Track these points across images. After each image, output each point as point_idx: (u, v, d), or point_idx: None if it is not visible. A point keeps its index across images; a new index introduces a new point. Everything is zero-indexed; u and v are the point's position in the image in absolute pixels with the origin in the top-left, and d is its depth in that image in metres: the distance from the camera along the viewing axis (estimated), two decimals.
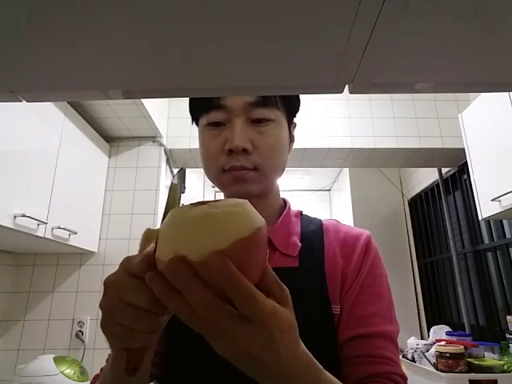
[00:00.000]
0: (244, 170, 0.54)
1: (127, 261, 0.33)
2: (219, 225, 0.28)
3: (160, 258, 0.29)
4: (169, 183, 2.26)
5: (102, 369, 0.48)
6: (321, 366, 0.35)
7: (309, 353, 0.34)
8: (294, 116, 0.63)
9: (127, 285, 0.32)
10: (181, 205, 0.33)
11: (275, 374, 0.31)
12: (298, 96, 0.62)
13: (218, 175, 0.56)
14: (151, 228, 0.34)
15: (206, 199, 0.33)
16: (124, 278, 0.32)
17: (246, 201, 0.32)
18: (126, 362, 0.33)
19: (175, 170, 2.38)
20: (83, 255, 1.89)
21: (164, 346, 0.54)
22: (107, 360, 0.45)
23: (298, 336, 0.33)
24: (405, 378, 0.50)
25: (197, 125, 0.62)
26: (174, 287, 0.28)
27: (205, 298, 0.28)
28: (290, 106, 0.60)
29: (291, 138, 0.63)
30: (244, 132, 0.54)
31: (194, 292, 0.27)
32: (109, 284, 0.33)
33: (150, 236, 0.33)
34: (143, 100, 1.75)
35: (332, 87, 0.27)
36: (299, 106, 0.63)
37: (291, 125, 0.63)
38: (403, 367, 1.86)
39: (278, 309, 0.30)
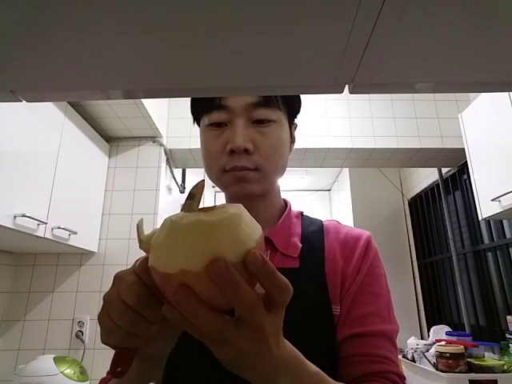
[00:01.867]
0: (245, 170, 0.54)
1: (138, 259, 0.35)
2: (217, 238, 0.29)
3: (155, 267, 0.29)
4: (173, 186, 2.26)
5: (108, 372, 0.49)
6: (301, 354, 0.37)
7: (290, 344, 0.36)
8: (295, 117, 0.63)
9: (126, 281, 0.33)
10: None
11: (271, 373, 0.33)
12: (299, 97, 0.62)
13: (220, 175, 0.56)
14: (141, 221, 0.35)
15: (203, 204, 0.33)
16: (128, 275, 0.33)
17: (243, 209, 0.32)
18: (111, 362, 0.34)
19: (175, 170, 2.38)
20: (83, 255, 1.89)
21: None
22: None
23: (282, 334, 0.34)
24: (402, 378, 0.50)
25: (198, 125, 0.62)
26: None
27: (209, 320, 0.29)
28: (292, 107, 0.60)
29: (292, 139, 0.63)
30: (245, 132, 0.54)
31: (200, 317, 0.28)
32: (116, 278, 0.35)
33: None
34: (143, 100, 1.75)
35: (332, 87, 0.27)
36: (300, 106, 0.63)
37: (292, 125, 0.63)
38: (403, 367, 1.86)
39: (269, 316, 0.31)
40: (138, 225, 0.35)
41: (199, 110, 0.60)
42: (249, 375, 0.33)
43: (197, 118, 0.62)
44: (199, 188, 0.33)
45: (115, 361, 0.34)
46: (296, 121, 0.64)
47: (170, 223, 0.30)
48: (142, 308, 0.32)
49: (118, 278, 0.34)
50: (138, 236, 0.34)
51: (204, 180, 0.37)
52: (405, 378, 0.51)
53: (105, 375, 0.51)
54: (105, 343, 0.34)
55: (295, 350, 0.36)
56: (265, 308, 0.30)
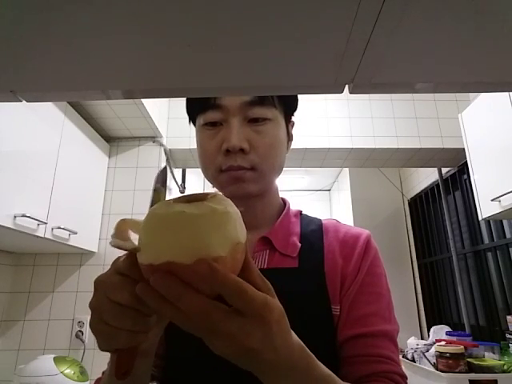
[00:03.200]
0: (241, 169, 0.54)
1: (115, 260, 0.34)
2: (203, 229, 0.28)
3: (142, 261, 0.29)
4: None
5: (103, 372, 0.49)
6: (312, 353, 0.36)
7: (300, 341, 0.35)
8: (292, 114, 0.63)
9: (113, 283, 0.32)
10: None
11: (272, 365, 0.31)
12: (296, 95, 0.62)
13: (216, 175, 0.56)
14: (125, 219, 0.34)
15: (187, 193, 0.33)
16: (111, 276, 0.32)
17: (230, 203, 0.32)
18: (116, 365, 0.33)
19: (175, 170, 2.38)
20: (83, 255, 1.89)
21: (164, 346, 0.54)
22: (108, 363, 0.46)
23: (289, 325, 0.33)
24: (404, 377, 0.50)
25: (194, 125, 0.62)
26: (165, 297, 0.28)
27: (197, 304, 0.28)
28: (288, 105, 0.60)
29: (289, 137, 0.63)
30: (241, 131, 0.54)
31: (186, 301, 0.28)
32: (97, 283, 0.33)
33: (122, 227, 0.33)
34: (143, 100, 1.75)
35: (332, 87, 0.27)
36: (297, 104, 0.62)
37: (289, 123, 0.62)
38: (403, 367, 1.86)
39: (269, 299, 0.31)
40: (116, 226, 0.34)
41: (194, 110, 0.59)
42: (250, 368, 0.32)
43: (192, 118, 0.62)
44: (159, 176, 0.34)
45: (119, 363, 0.33)
46: (294, 119, 0.64)
47: (152, 215, 0.30)
48: (140, 304, 0.31)
49: (101, 282, 0.33)
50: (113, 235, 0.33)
51: (165, 167, 0.38)
52: (407, 378, 0.51)
53: (100, 375, 0.51)
54: (105, 350, 0.33)
55: (306, 354, 0.35)
56: (235, 312, 0.29)
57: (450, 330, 2.01)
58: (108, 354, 0.42)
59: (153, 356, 0.43)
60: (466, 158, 1.85)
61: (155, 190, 0.39)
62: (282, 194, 0.67)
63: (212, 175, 0.57)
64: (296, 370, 0.33)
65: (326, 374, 0.37)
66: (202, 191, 3.20)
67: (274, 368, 0.32)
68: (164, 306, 0.29)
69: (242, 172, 0.54)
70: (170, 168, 2.27)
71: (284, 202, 0.66)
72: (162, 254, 0.28)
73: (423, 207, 2.94)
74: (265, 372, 0.32)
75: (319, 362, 0.36)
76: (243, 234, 0.31)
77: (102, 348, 0.33)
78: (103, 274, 0.34)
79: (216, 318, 0.28)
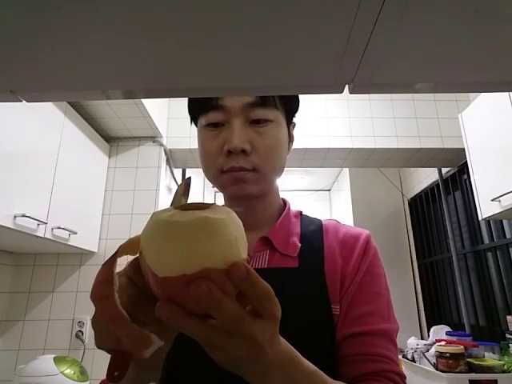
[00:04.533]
0: (243, 170, 0.54)
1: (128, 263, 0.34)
2: (230, 233, 0.28)
3: (146, 266, 0.29)
4: (171, 185, 2.26)
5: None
6: (297, 352, 0.36)
7: (285, 341, 0.35)
8: (293, 116, 0.63)
9: (119, 284, 0.32)
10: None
11: (266, 370, 0.33)
12: (297, 96, 0.62)
13: (217, 176, 0.56)
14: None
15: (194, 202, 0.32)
16: (120, 277, 0.32)
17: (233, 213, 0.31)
18: (108, 366, 0.33)
19: (175, 170, 2.38)
20: (83, 255, 1.89)
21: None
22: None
23: (278, 333, 0.34)
24: (403, 377, 0.50)
25: (196, 125, 0.62)
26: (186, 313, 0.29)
27: (234, 309, 0.28)
28: (289, 106, 0.60)
29: (290, 138, 0.63)
30: (243, 133, 0.54)
31: (225, 307, 0.28)
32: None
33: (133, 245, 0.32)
34: (143, 100, 1.75)
35: (332, 87, 0.27)
36: (298, 106, 0.63)
37: (290, 125, 0.62)
38: (403, 367, 1.86)
39: (260, 323, 0.31)
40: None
41: (196, 111, 0.59)
42: (243, 374, 0.33)
43: (194, 119, 0.62)
44: (183, 185, 0.33)
45: (112, 365, 0.33)
46: (295, 120, 0.64)
47: (157, 221, 0.29)
48: (136, 310, 0.31)
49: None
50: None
51: (190, 178, 0.37)
52: (405, 377, 0.51)
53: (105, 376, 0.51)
54: (99, 347, 0.33)
55: (291, 349, 0.36)
56: (254, 316, 0.30)
57: (450, 329, 2.01)
58: (108, 355, 0.42)
59: (159, 368, 0.43)
60: (465, 157, 1.85)
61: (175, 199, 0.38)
62: (282, 194, 0.67)
63: (213, 176, 0.57)
64: (286, 370, 0.34)
65: (314, 371, 0.37)
66: (201, 191, 3.19)
67: (268, 372, 0.33)
68: (187, 321, 0.29)
69: (244, 173, 0.54)
70: (170, 168, 2.27)
71: (284, 203, 0.66)
72: (193, 263, 0.27)
73: (423, 207, 2.94)
74: (258, 377, 0.34)
75: (306, 360, 0.37)
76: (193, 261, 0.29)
77: (97, 345, 0.34)
78: (119, 272, 0.34)
79: (247, 322, 0.29)
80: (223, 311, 0.28)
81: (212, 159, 0.56)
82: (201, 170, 0.60)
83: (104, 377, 0.51)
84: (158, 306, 0.28)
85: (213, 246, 0.28)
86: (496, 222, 2.09)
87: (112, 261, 0.31)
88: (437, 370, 1.61)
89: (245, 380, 0.34)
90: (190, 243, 0.27)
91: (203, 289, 0.27)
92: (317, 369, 0.38)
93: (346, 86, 0.27)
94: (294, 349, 0.36)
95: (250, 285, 0.29)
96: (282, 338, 0.35)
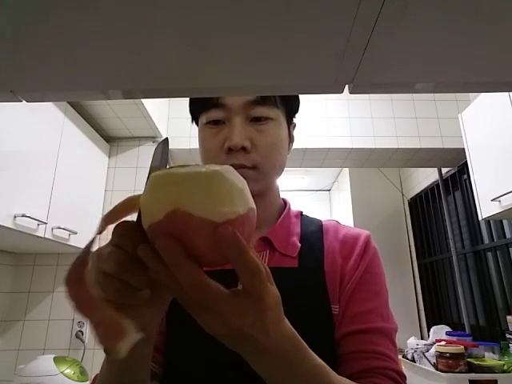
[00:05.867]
0: (243, 168, 0.54)
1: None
2: (150, 191, 0.28)
3: (146, 222, 0.28)
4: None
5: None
6: (305, 343, 0.36)
7: (294, 330, 0.35)
8: (294, 116, 0.63)
9: (103, 252, 0.31)
10: None
11: (263, 351, 0.32)
12: (298, 96, 0.62)
13: None
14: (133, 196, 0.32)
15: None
16: (104, 247, 0.32)
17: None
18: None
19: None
20: None
21: (165, 343, 0.54)
22: (104, 361, 0.45)
23: (283, 311, 0.33)
24: (401, 375, 0.50)
25: (196, 124, 0.62)
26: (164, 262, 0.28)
27: (194, 276, 0.27)
28: (290, 106, 0.60)
29: (291, 138, 0.63)
30: (243, 130, 0.54)
31: (183, 270, 0.27)
32: (93, 254, 0.33)
33: (132, 202, 0.32)
34: (143, 100, 1.75)
35: (332, 87, 0.27)
36: (299, 105, 0.63)
37: (291, 125, 0.63)
38: (403, 367, 1.86)
39: (269, 285, 0.31)
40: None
41: (197, 109, 0.60)
42: (239, 353, 0.32)
43: (195, 117, 0.62)
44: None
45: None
46: (295, 120, 0.64)
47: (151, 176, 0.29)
48: (125, 274, 0.30)
49: (95, 252, 0.32)
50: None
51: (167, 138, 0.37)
52: (405, 377, 0.51)
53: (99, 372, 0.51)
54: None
55: (297, 341, 0.35)
56: (232, 293, 0.29)
57: (450, 330, 2.01)
58: None
59: (152, 342, 0.41)
60: (466, 157, 1.85)
61: (150, 170, 0.37)
62: (282, 194, 0.67)
63: None
64: (287, 358, 0.33)
65: (319, 365, 0.36)
66: None
67: (265, 354, 0.32)
68: (161, 270, 0.28)
69: (244, 171, 0.54)
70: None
71: (285, 203, 0.66)
72: (171, 204, 0.26)
73: (423, 207, 2.94)
74: (255, 357, 0.33)
75: (312, 353, 0.36)
76: (200, 206, 0.27)
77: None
78: (100, 247, 0.33)
79: (210, 294, 0.28)
80: (183, 273, 0.27)
81: (212, 157, 0.56)
82: None
83: (98, 372, 0.51)
84: (159, 238, 0.27)
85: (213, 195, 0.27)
86: (496, 222, 2.09)
87: (90, 242, 0.31)
88: (437, 369, 1.61)
89: (246, 381, 0.34)
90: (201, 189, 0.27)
91: (164, 241, 0.26)
92: (322, 363, 0.37)
93: (346, 86, 0.27)
94: (299, 341, 0.35)
95: (237, 254, 0.27)
96: (286, 329, 0.33)
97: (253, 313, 0.30)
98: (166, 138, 0.39)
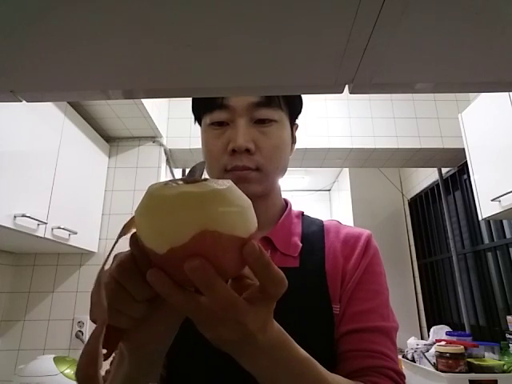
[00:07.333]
0: (246, 170, 0.54)
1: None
2: (169, 212, 0.27)
3: (155, 248, 0.28)
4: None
5: (106, 371, 0.48)
6: (297, 344, 0.36)
7: (281, 328, 0.35)
8: (297, 117, 0.63)
9: (119, 258, 0.32)
10: None
11: (259, 348, 0.32)
12: (301, 97, 0.62)
13: (221, 175, 0.56)
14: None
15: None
16: (123, 253, 0.32)
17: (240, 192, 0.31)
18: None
19: (175, 170, 2.37)
20: (83, 255, 1.89)
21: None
22: (111, 363, 0.45)
23: (272, 317, 0.34)
24: (400, 374, 0.50)
25: (200, 124, 0.62)
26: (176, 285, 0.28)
27: (228, 294, 0.28)
28: (293, 107, 0.60)
29: (293, 139, 0.63)
30: (247, 132, 0.54)
31: (218, 290, 0.28)
32: (115, 256, 0.33)
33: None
34: (143, 100, 1.75)
35: (332, 87, 0.27)
36: (301, 107, 0.63)
37: (293, 126, 0.63)
38: (403, 367, 1.86)
39: (254, 309, 0.30)
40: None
41: (201, 110, 0.60)
42: (230, 353, 0.33)
43: (198, 118, 0.62)
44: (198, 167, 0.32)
45: (104, 339, 0.31)
46: (297, 121, 0.64)
47: (150, 195, 0.28)
48: (124, 280, 0.30)
49: (115, 256, 0.33)
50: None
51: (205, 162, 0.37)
52: (404, 376, 0.51)
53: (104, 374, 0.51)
54: (91, 319, 0.32)
55: (284, 336, 0.35)
56: (249, 304, 0.29)
57: (450, 330, 2.01)
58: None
59: (159, 365, 0.42)
60: (466, 158, 1.85)
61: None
62: (282, 194, 0.67)
63: (217, 175, 0.57)
64: (278, 353, 0.34)
65: (305, 357, 0.37)
66: None
67: (261, 351, 0.33)
68: (176, 294, 0.28)
69: (247, 172, 0.54)
70: (170, 168, 2.27)
71: (286, 203, 0.66)
72: (198, 225, 0.26)
73: (423, 207, 2.94)
74: (251, 357, 0.33)
75: (298, 346, 0.37)
76: (228, 223, 0.27)
77: (90, 317, 0.32)
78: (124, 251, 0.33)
79: (239, 307, 0.29)
80: (215, 293, 0.27)
81: (216, 158, 0.56)
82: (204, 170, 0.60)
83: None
84: (149, 272, 0.28)
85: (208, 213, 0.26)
86: (496, 221, 2.09)
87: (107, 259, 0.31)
88: (437, 370, 1.61)
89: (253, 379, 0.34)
90: (179, 214, 0.26)
91: (196, 264, 0.26)
92: (309, 356, 0.37)
93: (346, 86, 0.27)
94: (287, 336, 0.36)
95: (263, 266, 0.28)
96: (275, 324, 0.35)
97: (264, 316, 0.31)
98: (203, 162, 0.38)
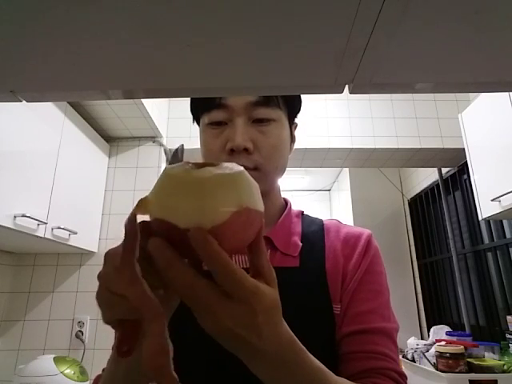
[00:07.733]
0: (245, 169, 0.54)
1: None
2: (209, 193, 0.28)
3: (150, 215, 0.29)
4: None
5: (103, 369, 0.48)
6: (303, 346, 0.35)
7: (291, 333, 0.34)
8: (296, 116, 0.63)
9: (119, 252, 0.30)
10: None
11: (259, 354, 0.31)
12: (300, 96, 0.62)
13: None
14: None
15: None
16: (119, 247, 0.31)
17: (244, 170, 0.32)
18: (118, 339, 0.30)
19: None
20: (83, 255, 1.89)
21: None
22: (109, 360, 0.45)
23: (281, 315, 0.33)
24: (402, 375, 0.50)
25: (198, 124, 0.62)
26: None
27: (183, 276, 0.27)
28: (292, 106, 0.60)
29: (292, 139, 0.63)
30: (245, 131, 0.54)
31: (173, 271, 0.27)
32: (107, 255, 0.33)
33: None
34: (143, 100, 1.75)
35: (332, 87, 0.27)
36: (300, 106, 0.63)
37: (292, 125, 0.63)
38: (403, 367, 1.86)
39: (262, 287, 0.30)
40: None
41: (199, 109, 0.59)
42: (237, 352, 0.32)
43: (196, 117, 0.62)
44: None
45: (122, 337, 0.30)
46: (296, 120, 0.64)
47: (182, 177, 0.29)
48: (143, 272, 0.29)
49: (109, 254, 0.32)
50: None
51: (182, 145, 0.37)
52: (406, 377, 0.51)
53: (100, 372, 0.51)
54: (107, 322, 0.31)
55: (293, 344, 0.34)
56: (224, 297, 0.28)
57: (450, 330, 2.01)
58: (108, 353, 0.42)
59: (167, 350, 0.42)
60: (466, 157, 1.85)
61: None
62: (282, 194, 0.67)
63: None
64: (284, 362, 0.33)
65: (317, 368, 0.36)
66: None
67: (260, 356, 0.31)
68: (176, 262, 0.28)
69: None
70: None
71: (286, 203, 0.66)
72: (164, 212, 0.28)
73: (423, 207, 2.94)
74: (252, 360, 0.32)
75: (312, 356, 0.36)
76: (253, 200, 0.30)
77: (106, 319, 0.32)
78: (113, 248, 0.33)
79: (201, 293, 0.28)
80: (174, 275, 0.27)
81: (214, 157, 0.56)
82: None
83: (99, 372, 0.50)
84: (151, 240, 0.28)
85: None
86: (496, 221, 2.09)
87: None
88: (437, 370, 1.61)
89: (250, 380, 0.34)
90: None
91: (156, 243, 0.27)
92: (321, 366, 0.36)
93: (346, 86, 0.27)
94: (298, 344, 0.34)
95: (207, 256, 0.27)
96: (286, 332, 0.33)
97: (243, 315, 0.29)
98: (182, 145, 0.39)
